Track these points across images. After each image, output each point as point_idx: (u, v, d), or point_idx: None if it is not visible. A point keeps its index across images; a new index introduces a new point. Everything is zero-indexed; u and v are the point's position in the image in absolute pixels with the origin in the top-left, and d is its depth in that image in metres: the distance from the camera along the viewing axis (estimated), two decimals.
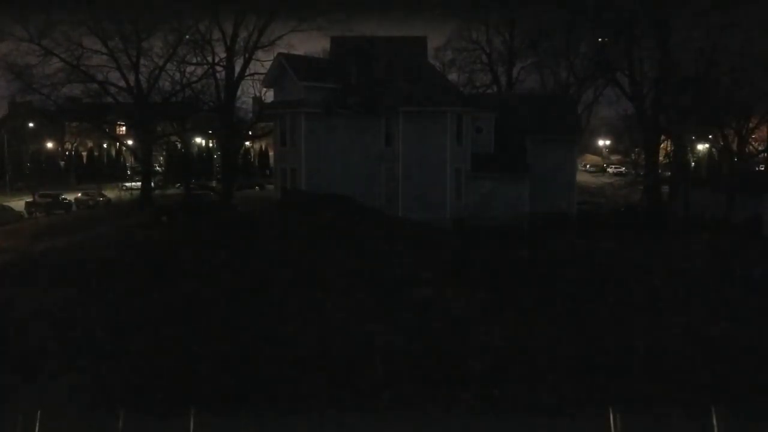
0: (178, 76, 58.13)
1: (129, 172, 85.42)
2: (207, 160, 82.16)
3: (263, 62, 55.78)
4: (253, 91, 60.82)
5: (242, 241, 33.60)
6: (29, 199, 57.41)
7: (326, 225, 34.71)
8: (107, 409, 18.82)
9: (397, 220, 39.67)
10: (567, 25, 60.15)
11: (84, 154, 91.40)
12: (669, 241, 38.43)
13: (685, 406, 19.03)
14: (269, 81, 48.22)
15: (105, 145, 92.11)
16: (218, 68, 57.78)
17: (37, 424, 17.70)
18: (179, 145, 68.93)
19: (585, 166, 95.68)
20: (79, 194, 64.53)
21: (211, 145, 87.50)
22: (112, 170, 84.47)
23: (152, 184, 61.36)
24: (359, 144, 44.45)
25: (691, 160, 74.17)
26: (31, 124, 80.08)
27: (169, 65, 57.30)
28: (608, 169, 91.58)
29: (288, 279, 28.63)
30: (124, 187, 73.41)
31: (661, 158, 61.58)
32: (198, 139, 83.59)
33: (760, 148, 62.65)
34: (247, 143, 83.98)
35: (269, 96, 53.11)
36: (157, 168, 73.94)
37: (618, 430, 17.49)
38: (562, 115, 48.23)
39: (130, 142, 72.03)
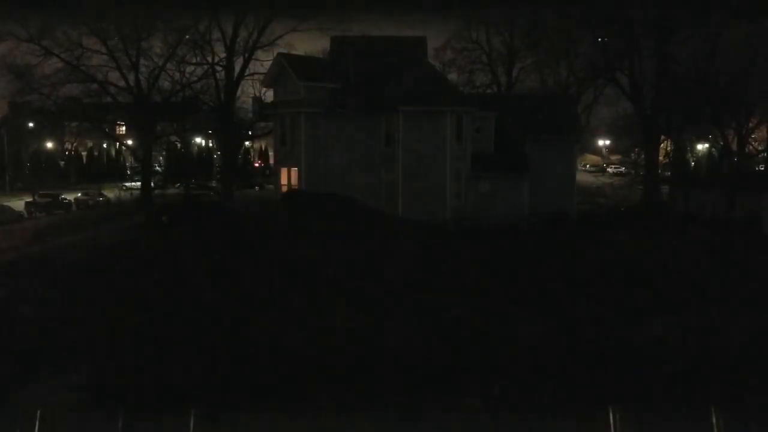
0: (177, 76, 58.09)
1: (129, 172, 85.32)
2: (207, 160, 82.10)
3: (263, 62, 55.75)
4: (253, 91, 60.73)
5: (242, 241, 33.58)
6: (29, 199, 57.36)
7: (326, 225, 34.69)
8: (107, 409, 18.81)
9: (397, 220, 39.66)
10: (567, 25, 60.21)
11: (84, 154, 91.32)
12: (669, 240, 38.38)
13: (686, 406, 19.05)
14: (269, 81, 48.17)
15: (105, 145, 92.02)
16: (218, 68, 57.76)
17: (37, 424, 17.70)
18: (179, 145, 68.88)
19: (585, 166, 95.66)
20: (79, 194, 64.43)
21: (211, 145, 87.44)
22: (112, 170, 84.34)
23: (152, 184, 61.29)
24: (359, 144, 44.40)
25: (691, 160, 74.28)
26: (31, 124, 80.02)
27: (168, 65, 57.24)
28: (608, 169, 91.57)
29: (288, 279, 28.61)
30: (124, 187, 73.28)
31: (661, 158, 61.61)
32: (198, 139, 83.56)
33: (760, 148, 62.74)
34: (247, 143, 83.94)
35: (269, 96, 53.04)
36: (157, 168, 73.91)
37: (618, 430, 17.49)
38: (562, 115, 48.19)
39: (130, 142, 71.98)
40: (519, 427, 18.66)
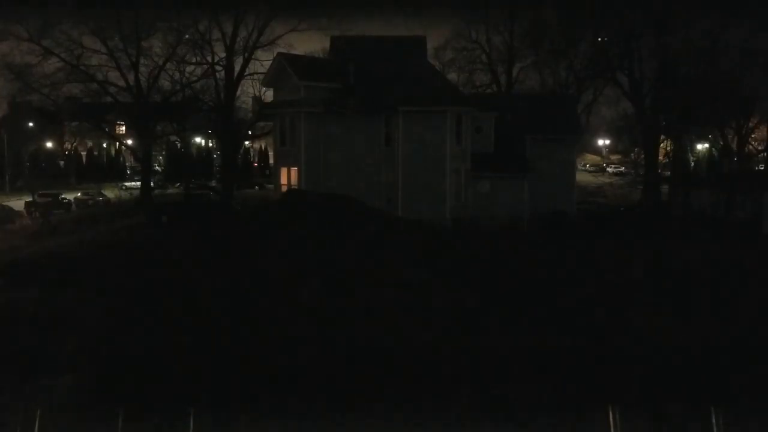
0: (177, 75, 58.09)
1: (129, 172, 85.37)
2: (207, 160, 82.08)
3: (263, 62, 55.77)
4: (252, 91, 60.71)
5: (242, 240, 33.58)
6: (29, 199, 57.41)
7: (326, 225, 34.67)
8: (107, 409, 18.79)
9: (397, 220, 39.63)
10: (567, 25, 60.27)
11: (84, 154, 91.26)
12: (670, 240, 38.41)
13: (686, 406, 19.04)
14: (269, 81, 48.19)
15: (105, 145, 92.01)
16: (218, 68, 57.74)
17: (37, 424, 17.70)
18: (179, 145, 68.91)
19: (585, 165, 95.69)
20: (79, 194, 64.54)
21: (211, 145, 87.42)
22: (112, 170, 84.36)
23: (152, 183, 61.32)
24: (359, 144, 44.42)
25: (691, 160, 74.29)
26: (31, 124, 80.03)
27: (168, 65, 57.25)
28: (608, 169, 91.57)
29: (287, 279, 28.61)
30: (124, 187, 73.40)
31: (661, 158, 61.69)
32: (198, 139, 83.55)
33: (760, 148, 62.78)
34: (247, 143, 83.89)
35: (269, 96, 53.08)
36: (157, 168, 73.91)
37: (618, 430, 17.48)
38: (562, 115, 48.27)
39: (130, 142, 72.03)
40: (518, 427, 18.66)
